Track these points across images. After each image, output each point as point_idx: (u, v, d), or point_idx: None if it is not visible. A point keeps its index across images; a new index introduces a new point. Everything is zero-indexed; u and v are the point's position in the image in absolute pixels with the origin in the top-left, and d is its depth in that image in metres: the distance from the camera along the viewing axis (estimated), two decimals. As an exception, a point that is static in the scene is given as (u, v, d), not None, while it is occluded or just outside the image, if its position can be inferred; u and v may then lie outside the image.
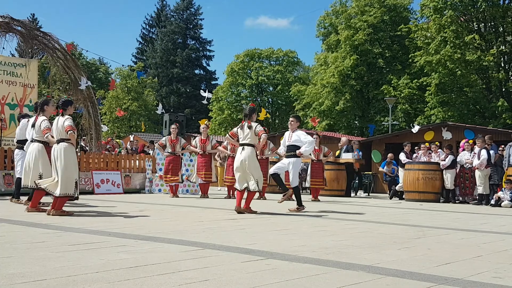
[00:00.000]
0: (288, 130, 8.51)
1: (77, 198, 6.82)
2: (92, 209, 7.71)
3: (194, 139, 12.13)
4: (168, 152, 11.58)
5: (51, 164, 6.79)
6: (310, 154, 11.72)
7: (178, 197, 11.48)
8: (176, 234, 4.97)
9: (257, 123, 7.72)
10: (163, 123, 14.73)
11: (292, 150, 8.24)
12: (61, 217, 6.29)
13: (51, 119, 7.25)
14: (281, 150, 8.68)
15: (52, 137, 6.76)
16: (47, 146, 7.09)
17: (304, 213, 7.89)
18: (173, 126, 11.79)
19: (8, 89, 13.22)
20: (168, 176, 11.51)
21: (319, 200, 11.53)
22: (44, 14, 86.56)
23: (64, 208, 6.73)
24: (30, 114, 10.30)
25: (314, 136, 12.04)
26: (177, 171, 11.56)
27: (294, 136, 8.29)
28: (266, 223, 6.38)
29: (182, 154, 11.94)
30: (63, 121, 6.62)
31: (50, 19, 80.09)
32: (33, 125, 7.30)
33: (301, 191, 15.13)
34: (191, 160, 12.71)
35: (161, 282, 2.88)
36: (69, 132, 6.53)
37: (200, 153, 11.69)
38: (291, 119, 8.43)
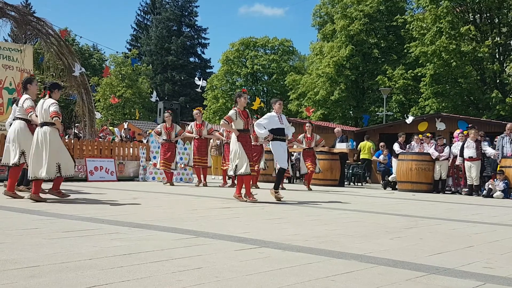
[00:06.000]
0: (272, 112, 8.46)
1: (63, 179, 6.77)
2: (86, 196, 7.69)
3: (189, 125, 12.10)
4: (163, 139, 11.59)
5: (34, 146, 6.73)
6: (302, 142, 11.84)
7: (173, 185, 11.49)
8: (170, 222, 4.98)
9: (232, 109, 7.88)
10: (157, 111, 14.69)
11: (284, 134, 8.38)
12: (55, 204, 6.28)
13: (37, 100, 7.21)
14: (263, 132, 8.13)
15: (36, 116, 6.71)
16: (30, 124, 7.02)
17: (297, 202, 7.92)
18: (166, 114, 11.79)
19: (5, 73, 13.08)
20: (164, 163, 11.52)
21: (311, 189, 11.57)
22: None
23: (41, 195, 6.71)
24: None
25: (307, 124, 12.16)
26: (172, 159, 11.58)
27: (284, 120, 8.42)
28: (260, 212, 6.40)
29: (177, 141, 11.93)
30: (48, 106, 6.54)
31: (43, 4, 79.27)
32: (16, 103, 7.24)
33: (295, 180, 15.30)
34: (185, 149, 12.70)
35: (154, 270, 2.89)
36: (54, 118, 6.48)
37: (196, 137, 11.69)
38: (280, 102, 8.42)
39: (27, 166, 6.89)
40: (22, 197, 6.84)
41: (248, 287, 2.62)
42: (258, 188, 11.39)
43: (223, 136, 11.80)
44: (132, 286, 2.53)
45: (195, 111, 11.95)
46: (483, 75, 26.13)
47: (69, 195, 7.05)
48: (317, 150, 12.53)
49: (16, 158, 6.94)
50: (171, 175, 11.73)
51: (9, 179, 7.01)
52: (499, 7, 24.67)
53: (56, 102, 6.67)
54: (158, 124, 12.41)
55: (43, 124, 6.57)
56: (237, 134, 7.69)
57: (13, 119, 7.26)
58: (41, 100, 6.74)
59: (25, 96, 7.07)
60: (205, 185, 11.66)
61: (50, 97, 6.69)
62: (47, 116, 6.55)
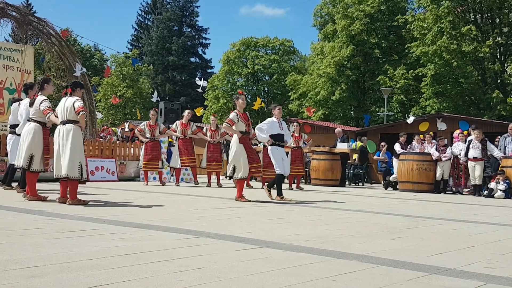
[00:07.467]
0: (273, 117, 8.50)
1: (84, 182, 6.59)
2: (87, 197, 7.69)
3: (174, 123, 12.03)
4: (147, 138, 11.53)
5: (50, 146, 6.63)
6: (290, 143, 11.84)
7: (164, 184, 11.50)
8: (171, 222, 4.98)
9: (232, 112, 7.96)
10: (158, 111, 14.67)
11: (283, 140, 8.45)
12: (55, 204, 6.28)
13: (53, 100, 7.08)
14: (265, 136, 8.29)
15: (56, 116, 6.51)
16: (44, 127, 6.84)
17: (298, 203, 7.91)
18: (152, 111, 11.79)
19: (6, 74, 13.10)
20: (148, 163, 11.45)
21: (302, 189, 11.54)
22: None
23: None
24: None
25: (295, 123, 12.24)
26: (158, 158, 11.54)
27: (284, 126, 8.50)
28: (261, 212, 6.40)
29: (177, 138, 11.90)
30: (73, 102, 6.35)
31: (44, 4, 79.30)
32: (31, 104, 6.92)
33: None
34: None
35: (155, 270, 2.89)
36: (80, 113, 6.28)
37: (180, 137, 11.63)
38: (279, 107, 8.54)
39: (36, 171, 6.74)
40: (46, 197, 6.72)
41: (249, 287, 2.62)
42: (251, 187, 11.38)
43: (206, 136, 11.78)
44: (133, 286, 2.53)
45: (186, 111, 11.88)
46: (484, 75, 26.10)
47: (88, 201, 6.66)
48: (306, 151, 12.54)
49: (22, 161, 6.71)
50: (160, 175, 11.88)
51: (28, 185, 6.77)
52: (500, 7, 24.64)
53: (81, 99, 6.49)
54: (142, 122, 12.38)
55: (66, 122, 6.35)
56: (239, 136, 7.73)
57: (28, 121, 6.95)
58: (63, 99, 6.53)
59: (41, 97, 6.80)
60: (196, 183, 11.74)
61: (72, 95, 6.51)
62: (70, 113, 6.33)
